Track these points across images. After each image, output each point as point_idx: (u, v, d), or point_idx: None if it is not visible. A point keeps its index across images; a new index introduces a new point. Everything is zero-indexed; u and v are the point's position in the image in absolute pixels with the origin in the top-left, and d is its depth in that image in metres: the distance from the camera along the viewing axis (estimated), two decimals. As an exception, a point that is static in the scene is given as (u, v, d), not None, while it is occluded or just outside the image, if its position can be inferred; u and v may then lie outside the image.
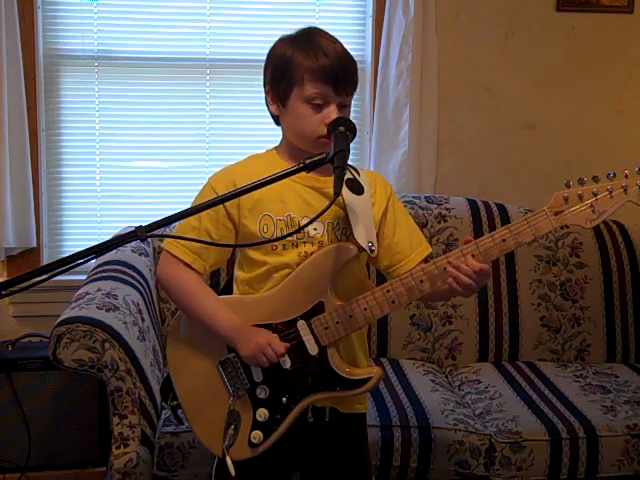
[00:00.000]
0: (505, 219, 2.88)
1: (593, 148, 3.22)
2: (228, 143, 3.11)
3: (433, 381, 2.57)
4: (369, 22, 3.11)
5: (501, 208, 2.93)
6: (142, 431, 2.09)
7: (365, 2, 3.12)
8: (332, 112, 1.62)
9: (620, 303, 2.86)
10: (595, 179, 1.53)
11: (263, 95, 1.72)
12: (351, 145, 1.58)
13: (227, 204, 1.66)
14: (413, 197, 2.92)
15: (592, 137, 3.24)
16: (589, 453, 2.25)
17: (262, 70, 1.72)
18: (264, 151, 1.78)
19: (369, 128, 3.10)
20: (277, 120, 1.73)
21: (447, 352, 2.79)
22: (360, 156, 3.15)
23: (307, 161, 1.51)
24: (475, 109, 3.18)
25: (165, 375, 1.81)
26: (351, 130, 1.58)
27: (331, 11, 3.10)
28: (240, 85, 3.06)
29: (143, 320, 2.32)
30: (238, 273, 1.75)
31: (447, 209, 2.88)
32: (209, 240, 1.67)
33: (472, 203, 2.93)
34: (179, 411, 1.78)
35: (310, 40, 1.65)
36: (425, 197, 2.92)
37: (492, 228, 2.85)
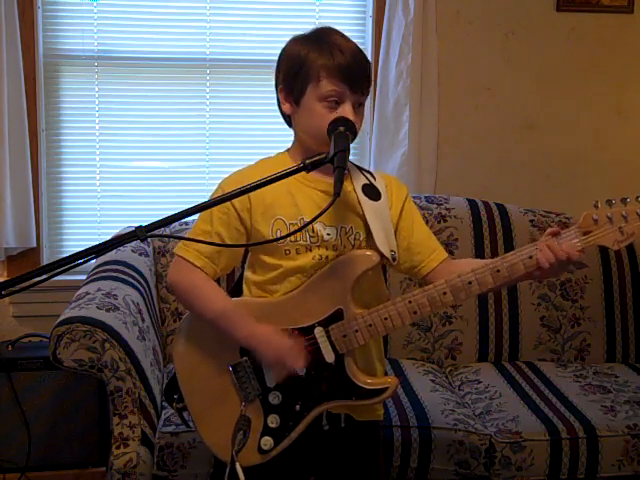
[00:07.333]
0: (505, 219, 2.88)
1: (593, 148, 3.22)
2: (228, 143, 3.11)
3: (433, 381, 2.56)
4: (369, 22, 3.11)
5: (501, 208, 2.92)
6: (142, 431, 2.09)
7: (365, 2, 3.12)
8: (347, 111, 1.58)
9: (620, 303, 2.86)
10: (624, 201, 1.54)
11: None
12: (351, 145, 1.56)
13: (238, 208, 1.63)
14: (413, 197, 2.89)
15: (592, 137, 3.23)
16: (589, 453, 2.25)
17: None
18: (274, 154, 1.74)
19: (369, 128, 3.09)
20: (289, 121, 1.69)
21: (447, 352, 2.79)
22: (360, 156, 3.15)
23: (307, 161, 1.49)
24: (475, 109, 3.18)
25: (170, 376, 1.77)
26: (351, 130, 1.55)
27: (331, 11, 3.10)
28: (240, 85, 3.03)
29: (143, 320, 2.32)
30: (249, 274, 1.72)
31: (447, 209, 2.87)
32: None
33: (472, 203, 2.93)
34: (185, 413, 1.75)
35: (324, 38, 1.62)
36: (425, 197, 2.92)
37: (492, 228, 2.85)
